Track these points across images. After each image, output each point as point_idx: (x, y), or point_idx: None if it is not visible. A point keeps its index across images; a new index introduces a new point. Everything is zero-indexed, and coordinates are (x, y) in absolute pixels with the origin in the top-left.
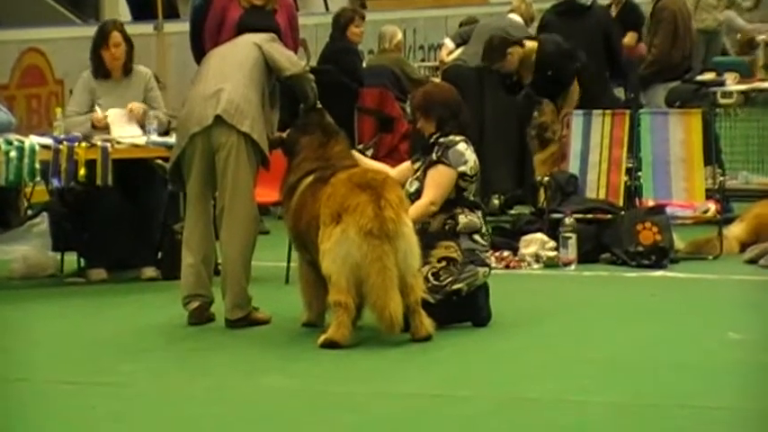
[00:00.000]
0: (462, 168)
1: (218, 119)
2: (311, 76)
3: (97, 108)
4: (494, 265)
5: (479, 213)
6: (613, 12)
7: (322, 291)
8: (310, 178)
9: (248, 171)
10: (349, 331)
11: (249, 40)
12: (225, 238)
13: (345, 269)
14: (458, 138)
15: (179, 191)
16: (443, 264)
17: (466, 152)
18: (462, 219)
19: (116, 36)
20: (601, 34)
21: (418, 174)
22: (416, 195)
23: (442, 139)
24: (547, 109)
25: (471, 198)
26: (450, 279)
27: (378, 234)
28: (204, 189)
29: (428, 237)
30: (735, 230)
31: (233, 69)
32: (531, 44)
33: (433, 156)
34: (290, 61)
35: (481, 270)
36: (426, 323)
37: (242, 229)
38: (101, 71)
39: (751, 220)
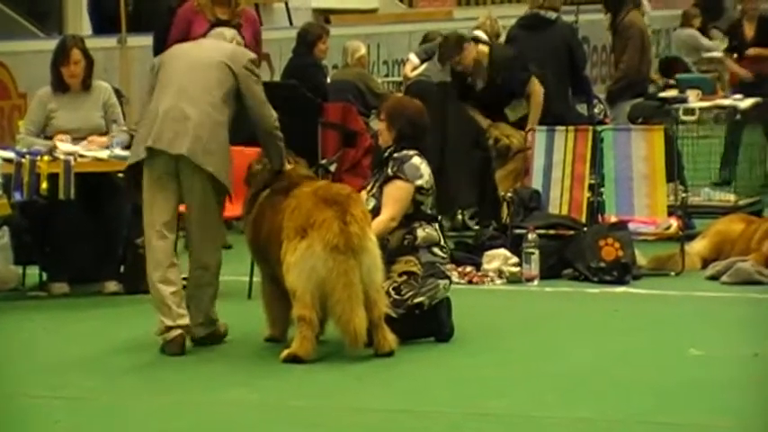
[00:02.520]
0: (419, 182)
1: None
2: (279, 135)
3: (60, 137)
4: (456, 280)
5: (437, 226)
6: (749, 30)
7: (285, 306)
8: (268, 190)
9: (214, 208)
10: (312, 346)
11: (219, 57)
12: (194, 265)
13: (310, 284)
14: (411, 152)
15: (136, 201)
16: (404, 278)
17: (421, 166)
18: (420, 232)
19: (76, 53)
20: (564, 49)
21: (373, 191)
22: (374, 212)
23: (396, 154)
24: (500, 125)
25: (428, 211)
26: (411, 293)
27: (343, 249)
28: (167, 216)
29: (388, 253)
30: (696, 247)
31: (201, 91)
32: (483, 48)
33: (389, 171)
34: (264, 115)
35: (442, 282)
36: (389, 338)
37: (211, 259)
38: (59, 86)
39: (713, 237)
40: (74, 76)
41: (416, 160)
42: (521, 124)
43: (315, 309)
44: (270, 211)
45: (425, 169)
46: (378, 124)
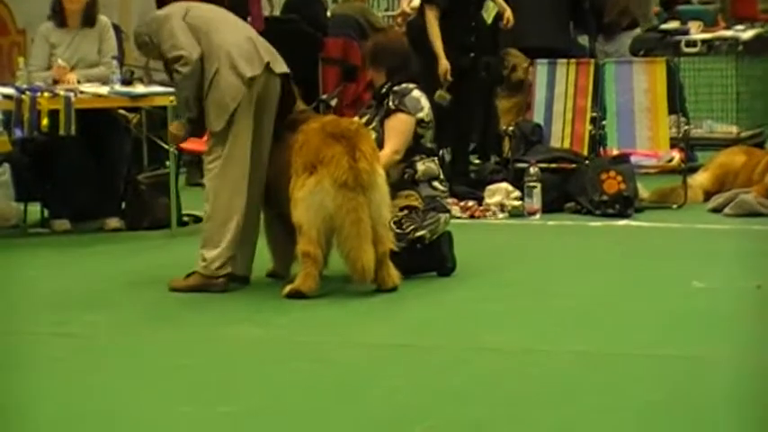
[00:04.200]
0: (420, 115)
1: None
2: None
3: (59, 61)
4: (458, 214)
5: (436, 159)
6: None
7: (289, 242)
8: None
9: None
10: (316, 283)
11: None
12: (254, 198)
13: (317, 220)
14: (411, 85)
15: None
16: (405, 212)
17: (421, 98)
18: (420, 166)
19: None
20: None
21: (374, 124)
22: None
23: (396, 88)
24: (513, 53)
25: (428, 145)
26: (412, 227)
27: (352, 186)
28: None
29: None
30: (699, 179)
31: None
32: None
33: (390, 104)
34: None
35: (443, 216)
36: (393, 275)
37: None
38: (59, 19)
39: (715, 169)
40: (72, 3)
41: (416, 93)
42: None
43: (320, 245)
44: (277, 147)
45: (425, 102)
46: (368, 72)
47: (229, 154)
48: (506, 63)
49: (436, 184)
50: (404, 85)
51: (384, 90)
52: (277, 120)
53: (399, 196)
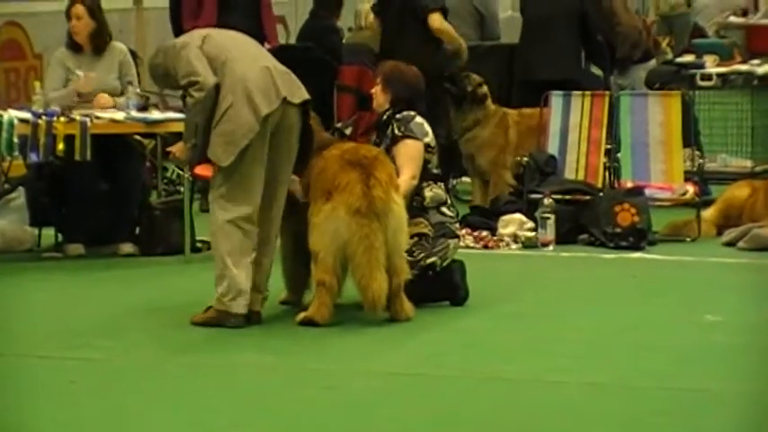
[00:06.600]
0: (426, 140)
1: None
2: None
3: (78, 72)
4: (472, 244)
5: (442, 185)
6: None
7: (303, 271)
8: None
9: None
10: (329, 312)
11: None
12: (269, 235)
13: (333, 247)
14: (412, 112)
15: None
16: (415, 239)
17: (424, 124)
18: (428, 193)
19: (78, 9)
20: (577, 12)
21: None
22: None
23: (398, 116)
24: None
25: (434, 170)
26: (423, 254)
27: (366, 213)
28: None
29: None
30: (707, 214)
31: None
32: None
33: (396, 132)
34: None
35: (452, 242)
36: (407, 308)
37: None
38: (72, 44)
39: (720, 204)
40: (76, 33)
41: (419, 119)
42: None
43: (336, 273)
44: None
45: (428, 128)
46: (374, 88)
47: (238, 190)
48: (471, 81)
49: (444, 209)
50: (405, 113)
51: (385, 118)
52: (301, 148)
53: (409, 224)
